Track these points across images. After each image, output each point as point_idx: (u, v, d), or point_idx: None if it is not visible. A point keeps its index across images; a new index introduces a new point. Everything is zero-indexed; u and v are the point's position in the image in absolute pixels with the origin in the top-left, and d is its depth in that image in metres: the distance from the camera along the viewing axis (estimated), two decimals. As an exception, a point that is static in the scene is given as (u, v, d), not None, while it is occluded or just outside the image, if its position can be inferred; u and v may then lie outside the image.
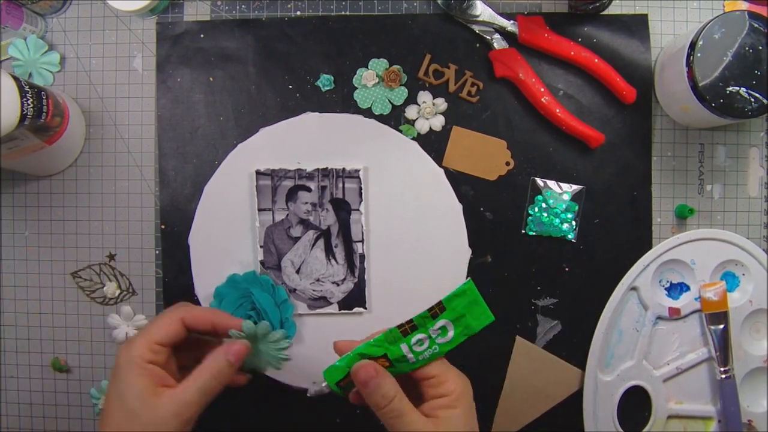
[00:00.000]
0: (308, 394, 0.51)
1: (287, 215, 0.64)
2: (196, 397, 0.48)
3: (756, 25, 0.57)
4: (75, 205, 0.66)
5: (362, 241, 0.64)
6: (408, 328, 0.49)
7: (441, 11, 0.65)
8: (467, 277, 0.64)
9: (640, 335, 0.64)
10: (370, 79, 0.65)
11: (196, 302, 0.64)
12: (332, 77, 0.65)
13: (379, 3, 0.66)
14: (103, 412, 0.49)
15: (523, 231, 0.65)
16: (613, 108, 0.65)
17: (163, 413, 0.47)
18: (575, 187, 0.65)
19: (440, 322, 0.48)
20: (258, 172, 0.63)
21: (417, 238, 0.64)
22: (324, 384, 0.51)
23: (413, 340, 0.48)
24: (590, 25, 0.65)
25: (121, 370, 0.48)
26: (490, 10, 0.64)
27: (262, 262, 0.64)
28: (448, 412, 0.47)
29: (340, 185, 0.63)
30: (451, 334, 0.48)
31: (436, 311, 0.48)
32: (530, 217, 0.65)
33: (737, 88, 0.57)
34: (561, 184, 0.65)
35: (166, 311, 0.52)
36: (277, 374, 0.64)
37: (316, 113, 0.64)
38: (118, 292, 0.66)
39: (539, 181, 0.65)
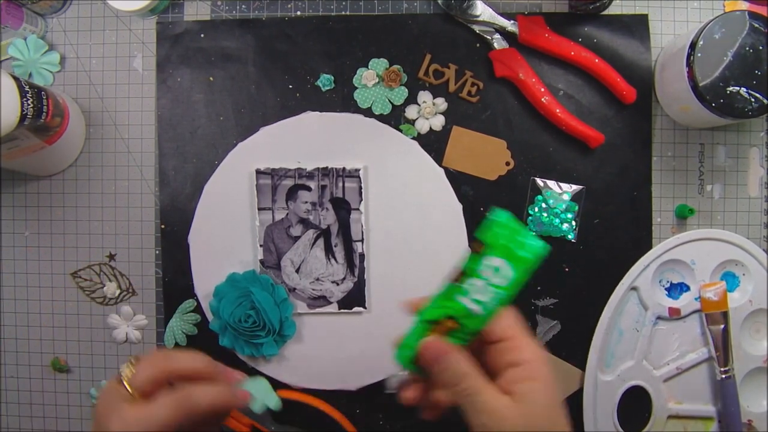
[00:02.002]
0: (386, 391, 0.48)
1: (287, 214, 0.64)
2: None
3: (756, 25, 0.57)
4: (75, 205, 0.66)
5: (362, 240, 0.64)
6: (458, 277, 0.44)
7: (441, 11, 0.65)
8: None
9: (640, 335, 0.64)
10: (370, 79, 0.65)
11: (197, 301, 0.64)
12: (332, 77, 0.65)
13: (379, 3, 0.66)
14: None
15: (523, 231, 0.65)
16: (613, 108, 0.65)
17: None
18: (575, 187, 0.65)
19: (487, 261, 0.43)
20: (258, 172, 0.63)
21: (417, 237, 0.64)
22: (401, 372, 0.46)
23: (469, 288, 0.43)
24: (590, 25, 0.65)
25: None
26: (491, 10, 0.64)
27: (261, 261, 0.64)
28: (528, 385, 0.40)
29: (340, 184, 0.63)
30: (509, 272, 0.43)
31: (476, 248, 0.43)
32: (530, 217, 0.65)
33: (737, 88, 0.57)
34: (561, 184, 0.65)
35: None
36: (278, 374, 0.64)
37: (316, 113, 0.64)
38: (118, 292, 0.66)
39: (539, 181, 0.65)
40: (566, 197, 0.65)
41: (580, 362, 0.65)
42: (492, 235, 0.43)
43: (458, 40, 0.66)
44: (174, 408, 0.42)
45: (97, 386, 0.66)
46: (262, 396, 0.47)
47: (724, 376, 0.62)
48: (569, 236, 0.65)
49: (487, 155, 0.65)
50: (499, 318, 0.43)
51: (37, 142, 0.59)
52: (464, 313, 0.44)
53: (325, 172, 0.64)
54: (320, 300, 0.64)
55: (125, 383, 0.43)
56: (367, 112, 0.65)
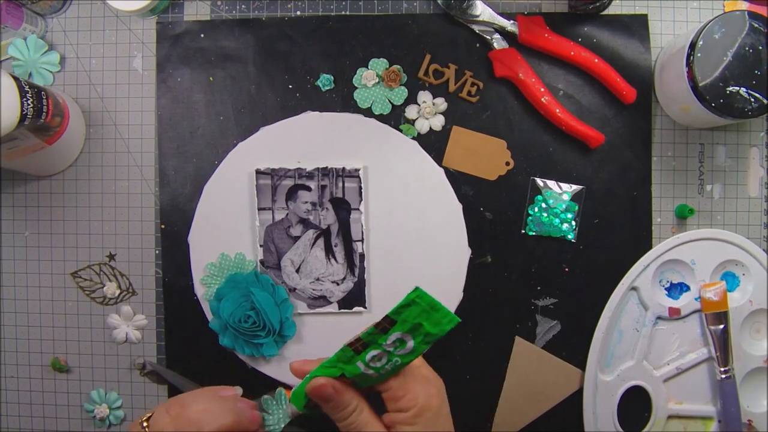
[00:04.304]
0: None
1: (287, 214, 0.64)
2: None
3: (756, 25, 0.57)
4: (75, 205, 0.66)
5: (362, 240, 0.64)
6: (359, 346, 0.43)
7: (441, 11, 0.65)
8: (465, 278, 0.64)
9: (640, 335, 0.64)
10: (370, 79, 0.65)
11: (196, 302, 0.64)
12: (332, 77, 0.65)
13: (379, 3, 0.66)
14: None
15: (523, 231, 0.65)
16: (613, 108, 0.65)
17: None
18: (575, 187, 0.65)
19: (393, 336, 0.43)
20: (258, 172, 0.63)
21: (417, 237, 0.64)
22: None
23: (368, 357, 0.43)
24: (590, 25, 0.65)
25: None
26: (490, 10, 0.65)
27: (262, 262, 0.64)
28: (407, 428, 0.44)
29: (340, 184, 0.64)
30: (411, 344, 0.43)
31: (384, 326, 0.42)
32: (530, 217, 0.65)
33: (737, 88, 0.57)
34: (561, 184, 0.65)
35: None
36: (278, 374, 0.64)
37: (316, 113, 0.64)
38: (118, 292, 0.66)
39: (539, 181, 0.65)
40: (566, 197, 0.65)
41: (580, 362, 0.65)
42: (406, 314, 0.42)
43: (458, 40, 0.66)
44: None
45: (96, 387, 0.66)
46: (277, 412, 0.47)
47: (724, 376, 0.62)
48: (569, 236, 0.65)
49: (487, 155, 0.65)
50: (391, 377, 0.45)
51: (37, 142, 0.59)
52: (358, 375, 0.44)
53: (325, 172, 0.64)
54: (320, 300, 0.64)
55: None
56: (367, 112, 0.65)
